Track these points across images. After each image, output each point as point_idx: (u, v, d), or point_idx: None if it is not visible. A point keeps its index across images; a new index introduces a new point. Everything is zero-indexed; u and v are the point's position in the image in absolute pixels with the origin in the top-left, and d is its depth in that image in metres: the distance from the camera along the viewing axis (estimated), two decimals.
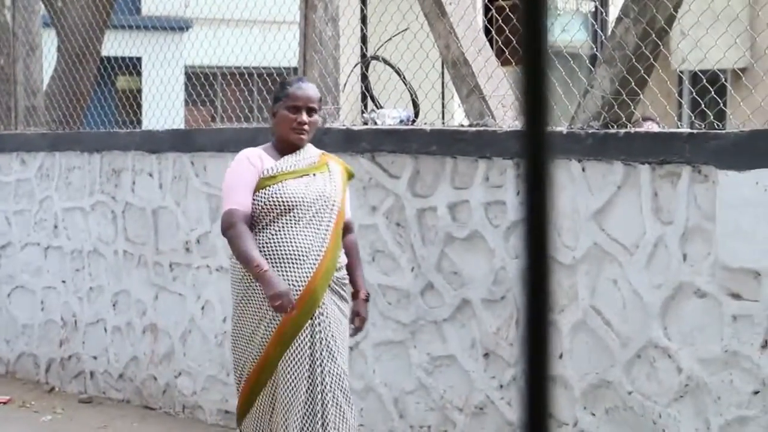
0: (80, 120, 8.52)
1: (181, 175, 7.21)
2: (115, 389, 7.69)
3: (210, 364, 7.02)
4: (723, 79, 5.27)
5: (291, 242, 4.80)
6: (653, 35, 5.24)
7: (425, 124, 6.39)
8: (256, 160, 4.85)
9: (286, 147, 4.89)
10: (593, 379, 5.24)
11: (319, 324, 4.82)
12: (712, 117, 5.19)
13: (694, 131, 5.00)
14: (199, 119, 9.44)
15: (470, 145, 5.72)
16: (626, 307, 5.12)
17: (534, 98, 1.07)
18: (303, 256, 4.80)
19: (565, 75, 6.05)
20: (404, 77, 6.65)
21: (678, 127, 6.07)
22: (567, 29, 6.20)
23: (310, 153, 4.94)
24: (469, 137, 5.74)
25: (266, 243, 4.80)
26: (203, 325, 7.05)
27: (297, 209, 4.81)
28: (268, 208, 4.80)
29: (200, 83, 9.09)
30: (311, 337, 4.81)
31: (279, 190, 4.80)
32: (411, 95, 6.68)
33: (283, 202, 4.79)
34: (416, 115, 6.68)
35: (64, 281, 7.99)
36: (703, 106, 5.35)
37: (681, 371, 4.93)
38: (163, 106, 8.05)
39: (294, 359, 4.78)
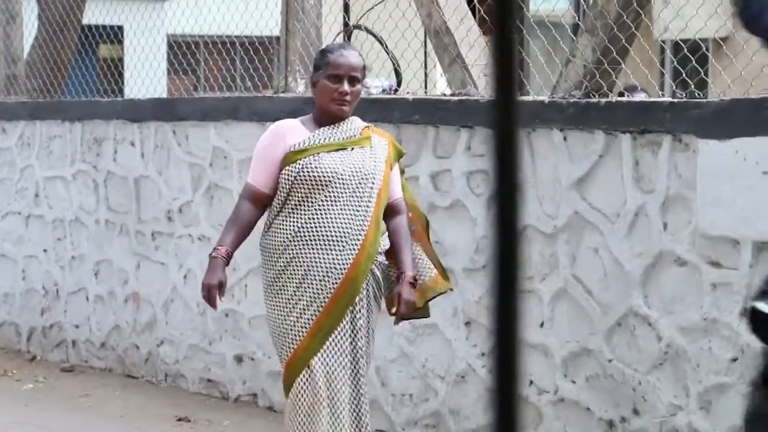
0: (61, 89, 8.48)
1: (163, 144, 7.20)
2: (97, 358, 7.69)
3: (192, 333, 7.03)
4: (704, 48, 5.28)
5: (329, 224, 4.43)
6: (635, 4, 5.24)
7: (407, 93, 6.39)
8: (285, 132, 4.53)
9: (326, 118, 4.54)
10: (574, 347, 5.27)
11: (359, 314, 4.48)
12: (693, 86, 5.20)
13: (675, 100, 5.02)
14: (181, 88, 9.41)
15: (453, 114, 5.72)
16: (607, 275, 5.14)
17: (503, 67, 1.08)
18: (342, 239, 4.43)
19: (547, 44, 6.06)
20: (386, 46, 6.64)
21: (660, 96, 6.09)
22: None
23: (351, 126, 4.57)
24: (452, 106, 5.75)
25: (302, 223, 4.44)
26: (185, 294, 7.05)
27: (332, 186, 4.44)
28: (298, 184, 4.44)
29: (182, 52, 9.06)
30: (352, 329, 4.47)
31: (309, 164, 4.44)
32: (393, 64, 6.67)
33: (313, 177, 4.43)
34: (399, 84, 6.67)
35: (45, 250, 7.98)
36: (684, 75, 5.36)
37: (661, 339, 4.96)
38: (145, 75, 8.02)
39: (333, 354, 4.44)
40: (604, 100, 5.21)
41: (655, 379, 4.98)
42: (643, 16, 5.36)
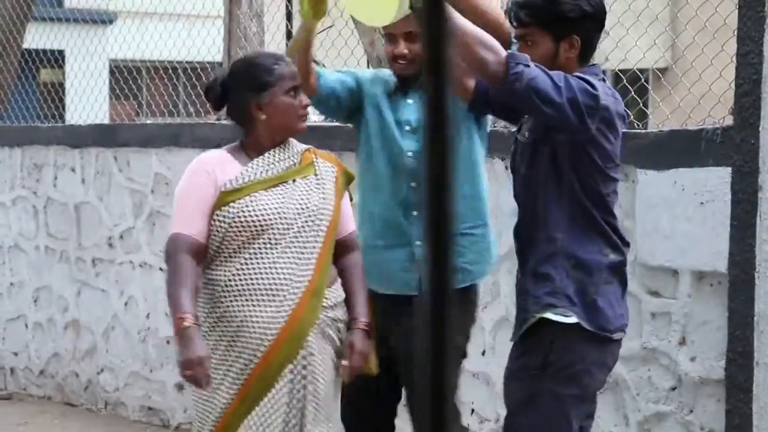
0: (0, 114, 8.41)
1: (104, 170, 7.15)
2: (36, 386, 7.61)
3: (133, 360, 6.97)
4: (643, 80, 5.34)
5: (266, 273, 3.74)
6: None
7: None
8: (214, 167, 3.79)
9: (266, 146, 3.84)
10: None
11: (300, 379, 3.79)
12: (632, 116, 5.25)
13: None
14: (123, 114, 9.36)
15: None
16: None
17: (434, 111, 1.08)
18: (280, 290, 3.75)
19: None
20: None
21: None
22: None
23: (289, 151, 3.89)
24: None
25: (234, 276, 3.75)
26: (126, 321, 6.99)
27: (272, 230, 3.76)
28: (234, 232, 3.74)
29: (124, 77, 9.02)
30: (289, 395, 3.77)
31: (246, 206, 3.75)
32: None
33: (252, 222, 3.74)
34: None
35: None
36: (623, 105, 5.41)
37: None
38: (87, 100, 7.98)
39: (260, 426, 3.75)
40: None
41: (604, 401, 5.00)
42: None
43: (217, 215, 3.76)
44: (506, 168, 5.29)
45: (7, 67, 8.33)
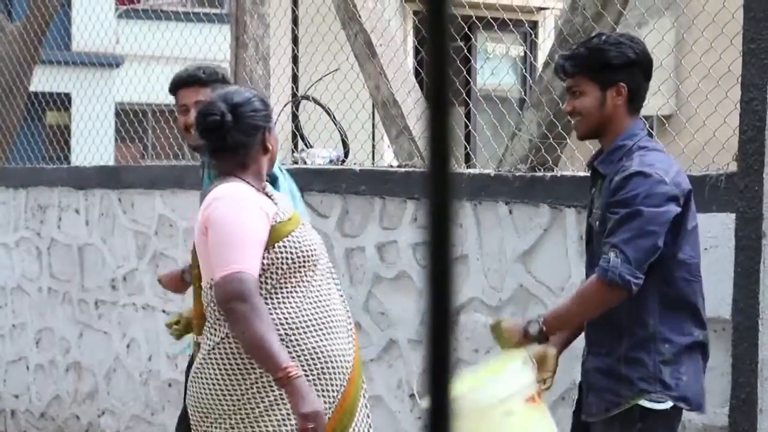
0: (6, 155, 8.43)
1: (108, 212, 7.16)
2: (37, 428, 7.57)
3: (134, 403, 6.94)
4: (647, 126, 5.35)
5: (330, 305, 3.66)
6: None
7: (354, 164, 6.41)
8: (258, 200, 3.60)
9: (263, 177, 3.75)
10: None
11: (365, 404, 3.79)
12: None
13: None
14: (128, 156, 9.39)
15: (399, 186, 5.74)
16: None
17: (437, 140, 1.09)
18: (343, 319, 3.69)
19: (494, 118, 6.12)
20: (334, 117, 6.68)
21: None
22: (496, 73, 6.28)
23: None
24: (398, 178, 5.77)
25: (305, 311, 3.60)
26: (128, 363, 6.97)
27: (321, 259, 3.70)
28: (297, 263, 3.59)
29: (130, 120, 9.05)
30: (366, 421, 3.76)
31: (302, 236, 3.61)
32: (341, 135, 6.70)
33: (308, 252, 3.62)
34: (346, 155, 6.70)
35: None
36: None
37: None
38: (92, 143, 8.00)
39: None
40: (549, 174, 5.25)
41: None
42: None
43: (278, 248, 3.56)
44: (510, 212, 5.30)
45: (14, 110, 8.36)
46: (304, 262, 3.60)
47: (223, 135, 3.63)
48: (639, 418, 3.71)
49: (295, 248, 3.59)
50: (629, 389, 3.69)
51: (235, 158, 3.67)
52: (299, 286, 3.59)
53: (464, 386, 3.43)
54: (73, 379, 7.33)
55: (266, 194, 3.71)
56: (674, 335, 3.69)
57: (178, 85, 4.63)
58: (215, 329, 3.59)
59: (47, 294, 7.50)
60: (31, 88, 8.57)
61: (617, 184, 3.62)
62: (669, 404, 3.67)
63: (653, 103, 5.30)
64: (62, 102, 8.51)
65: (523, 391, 3.55)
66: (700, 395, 3.80)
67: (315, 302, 3.61)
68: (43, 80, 8.69)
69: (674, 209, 3.60)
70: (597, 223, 3.78)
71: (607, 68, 3.67)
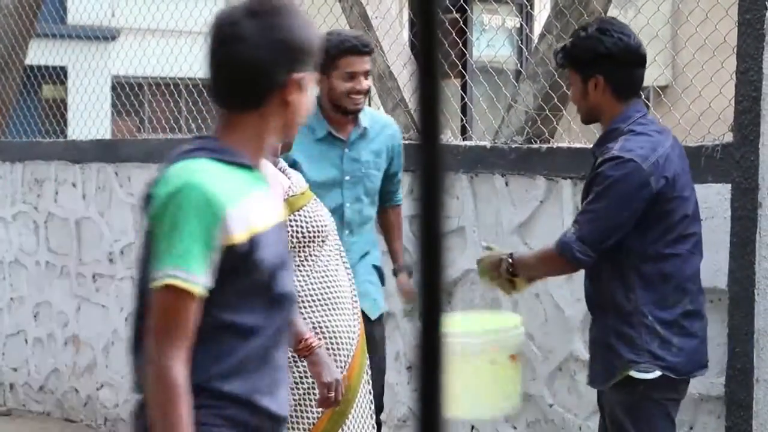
0: (2, 129, 8.42)
1: (105, 186, 7.16)
2: (36, 401, 7.59)
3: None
4: (643, 97, 5.34)
5: (338, 281, 3.68)
6: None
7: None
8: (272, 173, 3.46)
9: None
10: None
11: (368, 380, 3.87)
12: None
13: None
14: (124, 130, 9.38)
15: None
16: (548, 320, 5.17)
17: (427, 111, 1.09)
18: (349, 296, 3.74)
19: (490, 90, 6.11)
20: None
21: None
22: (492, 44, 6.26)
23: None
24: None
25: (313, 286, 3.63)
26: (126, 336, 6.99)
27: (331, 235, 3.70)
28: (308, 238, 3.61)
29: (126, 93, 9.03)
30: (369, 395, 3.86)
31: (314, 210, 3.64)
32: None
33: (321, 227, 3.64)
34: None
35: None
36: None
37: None
38: (89, 116, 7.99)
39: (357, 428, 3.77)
40: (545, 145, 5.25)
41: (594, 425, 4.99)
42: None
43: (290, 222, 3.52)
44: (506, 184, 5.30)
45: (10, 84, 8.34)
46: (314, 237, 3.59)
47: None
48: (633, 388, 3.76)
49: (306, 223, 3.58)
50: (619, 360, 3.77)
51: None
52: (307, 261, 3.59)
53: (458, 328, 3.69)
54: (71, 352, 7.35)
55: (279, 169, 3.70)
56: (658, 310, 3.75)
57: (348, 52, 4.29)
58: None
59: (45, 268, 7.51)
60: (27, 62, 8.54)
61: (597, 165, 3.74)
62: (658, 373, 3.74)
63: (649, 74, 5.29)
64: (58, 76, 8.50)
65: (510, 349, 3.74)
66: (693, 363, 3.84)
67: (322, 278, 3.62)
68: (39, 54, 8.66)
69: (646, 194, 3.68)
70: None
71: (581, 62, 3.81)
